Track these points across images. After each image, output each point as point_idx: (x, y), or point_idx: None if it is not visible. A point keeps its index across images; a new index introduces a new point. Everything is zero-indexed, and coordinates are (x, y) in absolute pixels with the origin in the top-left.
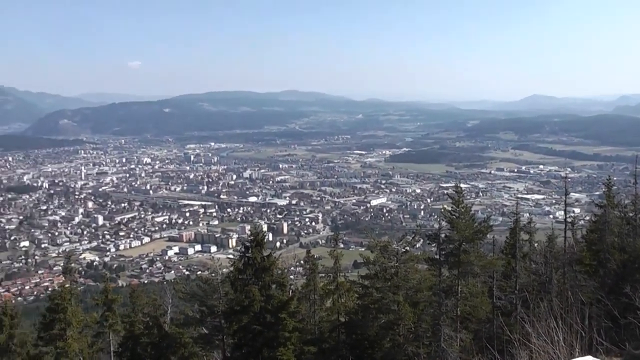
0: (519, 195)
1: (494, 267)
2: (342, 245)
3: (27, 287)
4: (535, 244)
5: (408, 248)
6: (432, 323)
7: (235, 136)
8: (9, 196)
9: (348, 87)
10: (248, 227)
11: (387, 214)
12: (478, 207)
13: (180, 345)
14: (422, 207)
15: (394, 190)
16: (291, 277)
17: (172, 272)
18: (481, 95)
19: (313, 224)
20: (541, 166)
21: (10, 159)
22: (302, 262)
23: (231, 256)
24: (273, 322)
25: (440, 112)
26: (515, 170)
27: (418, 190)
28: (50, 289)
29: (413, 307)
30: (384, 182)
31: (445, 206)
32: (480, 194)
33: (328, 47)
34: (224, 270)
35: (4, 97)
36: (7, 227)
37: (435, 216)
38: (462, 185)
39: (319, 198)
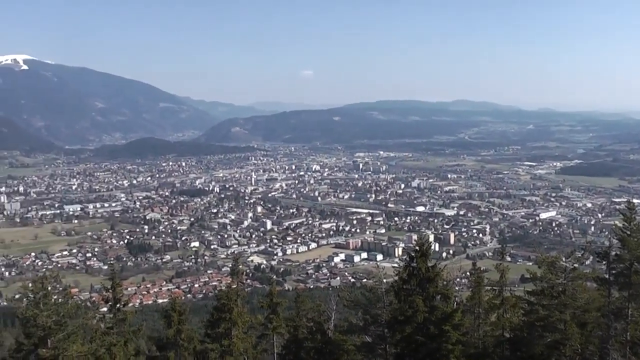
0: None
1: None
2: (509, 259)
3: (196, 286)
4: None
5: (577, 265)
6: (600, 346)
7: (404, 145)
8: (182, 199)
9: (519, 97)
10: (414, 236)
11: (556, 228)
12: None
13: (343, 352)
14: (592, 223)
15: (563, 203)
16: (456, 288)
17: (338, 278)
18: None
19: (480, 235)
20: None
21: (183, 164)
22: (467, 274)
23: (396, 265)
24: (436, 334)
25: (614, 122)
26: None
27: (589, 205)
28: (217, 289)
29: (580, 328)
30: (553, 194)
31: (617, 223)
32: None
33: (499, 56)
34: (389, 279)
35: (179, 106)
36: (179, 227)
37: (606, 233)
38: (635, 200)
39: (486, 209)
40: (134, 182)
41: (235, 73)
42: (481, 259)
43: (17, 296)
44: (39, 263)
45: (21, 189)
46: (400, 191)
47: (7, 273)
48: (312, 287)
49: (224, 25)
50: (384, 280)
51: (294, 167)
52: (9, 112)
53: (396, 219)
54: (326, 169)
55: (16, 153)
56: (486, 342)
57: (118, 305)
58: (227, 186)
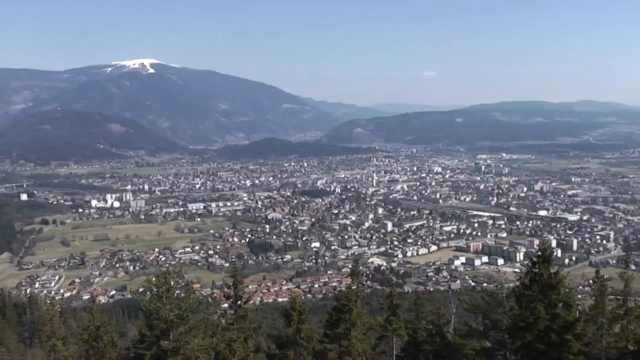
0: None
1: None
2: (633, 267)
3: (315, 286)
4: None
5: None
6: None
7: (526, 147)
8: (303, 199)
9: None
10: (536, 241)
11: None
12: None
13: (462, 356)
14: None
15: None
16: (578, 296)
17: (458, 282)
18: None
19: (604, 242)
20: None
21: (305, 164)
22: (590, 281)
23: (517, 270)
24: (558, 343)
25: None
26: None
27: None
28: (337, 290)
29: None
30: None
31: None
32: None
33: (626, 54)
34: (510, 284)
35: (302, 107)
36: (300, 227)
37: None
38: None
39: (611, 215)
40: (256, 181)
41: (358, 74)
42: (604, 267)
43: (141, 290)
44: (162, 258)
45: (146, 187)
46: (523, 194)
47: (131, 267)
48: (431, 289)
49: (347, 27)
50: (505, 285)
51: (415, 168)
52: (136, 114)
53: (518, 222)
54: (448, 171)
55: (142, 153)
56: (609, 354)
57: (239, 302)
58: (348, 187)
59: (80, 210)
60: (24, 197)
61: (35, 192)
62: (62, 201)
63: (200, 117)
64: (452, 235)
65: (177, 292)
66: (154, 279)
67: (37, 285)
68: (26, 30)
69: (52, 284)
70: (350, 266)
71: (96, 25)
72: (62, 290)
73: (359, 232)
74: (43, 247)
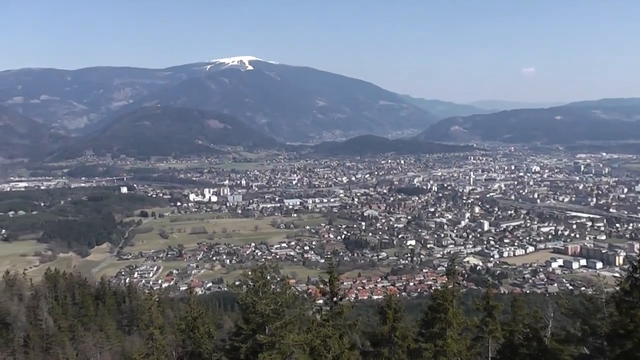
0: None
1: None
2: None
3: (411, 284)
4: None
5: None
6: None
7: (628, 146)
8: (400, 197)
9: None
10: (637, 245)
11: None
12: None
13: None
14: None
15: None
16: None
17: (555, 285)
18: None
19: None
20: None
21: (402, 162)
22: None
23: (617, 275)
24: None
25: None
26: None
27: None
28: (433, 288)
29: None
30: None
31: None
32: None
33: None
34: (609, 289)
35: (399, 104)
36: (396, 225)
37: None
38: None
39: None
40: (353, 178)
41: (456, 72)
42: None
43: (237, 283)
44: (259, 253)
45: (243, 182)
46: (623, 196)
47: (228, 261)
48: (528, 292)
49: (445, 24)
50: (605, 290)
51: (513, 167)
52: (234, 110)
53: (617, 225)
54: (546, 170)
55: (239, 148)
56: None
57: (335, 298)
58: (445, 185)
59: (179, 203)
60: (124, 190)
61: (135, 185)
62: (160, 194)
63: (297, 113)
64: (550, 237)
65: (273, 287)
66: (250, 273)
67: (135, 275)
68: (129, 30)
69: (150, 274)
70: (446, 265)
71: (196, 24)
72: (159, 281)
73: (455, 231)
74: (142, 238)
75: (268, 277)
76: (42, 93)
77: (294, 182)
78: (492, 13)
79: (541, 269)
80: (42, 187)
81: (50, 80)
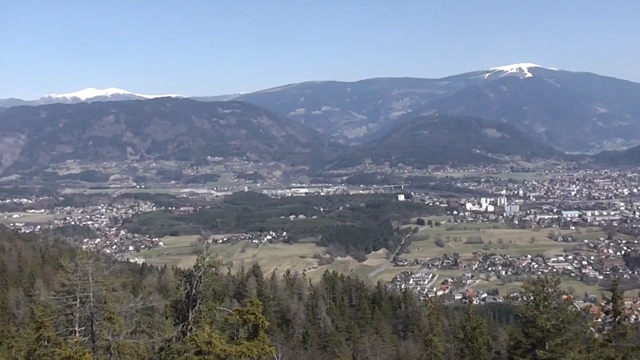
0: None
1: None
2: None
3: None
4: None
5: None
6: None
7: None
8: None
9: None
10: None
11: None
12: None
13: None
14: None
15: None
16: None
17: None
18: None
19: None
20: None
21: None
22: None
23: None
24: None
25: None
26: None
27: None
28: None
29: None
30: None
31: None
32: None
33: None
34: None
35: None
36: None
37: None
38: None
39: None
40: (635, 190)
41: None
42: None
43: (513, 295)
44: (535, 266)
45: (521, 192)
46: None
47: (503, 272)
48: None
49: None
50: None
51: None
52: (512, 119)
53: None
54: None
55: (517, 158)
56: None
57: (618, 318)
58: None
59: (455, 212)
60: (401, 197)
61: (412, 193)
62: (437, 203)
63: (576, 121)
64: None
65: (554, 302)
66: (531, 286)
67: (411, 282)
68: (408, 41)
69: (426, 282)
70: None
71: (476, 32)
72: (434, 289)
73: None
74: (418, 245)
75: (549, 291)
76: (323, 104)
77: (573, 193)
78: None
79: None
80: (322, 194)
81: (331, 92)
